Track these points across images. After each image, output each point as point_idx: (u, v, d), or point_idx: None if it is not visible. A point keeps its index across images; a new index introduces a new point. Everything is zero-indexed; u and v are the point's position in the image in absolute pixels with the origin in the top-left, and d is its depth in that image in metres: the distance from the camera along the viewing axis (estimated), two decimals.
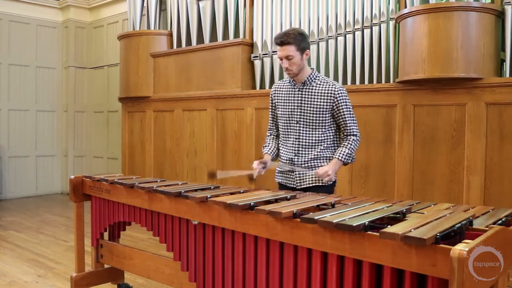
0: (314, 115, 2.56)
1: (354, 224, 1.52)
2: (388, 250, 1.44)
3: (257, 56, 4.87)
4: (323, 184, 2.58)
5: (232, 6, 5.11)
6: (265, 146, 2.82)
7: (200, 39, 5.45)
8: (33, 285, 3.44)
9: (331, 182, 2.62)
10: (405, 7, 3.87)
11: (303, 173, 2.61)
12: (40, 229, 5.24)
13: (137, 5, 5.88)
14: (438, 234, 1.37)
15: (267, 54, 4.79)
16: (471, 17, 3.47)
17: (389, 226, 1.50)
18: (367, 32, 4.16)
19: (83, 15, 7.71)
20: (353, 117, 2.60)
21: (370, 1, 4.14)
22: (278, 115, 2.72)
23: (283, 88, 2.69)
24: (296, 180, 2.64)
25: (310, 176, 2.60)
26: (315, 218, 1.64)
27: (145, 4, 5.88)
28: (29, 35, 7.35)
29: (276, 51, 4.71)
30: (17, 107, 7.27)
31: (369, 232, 1.51)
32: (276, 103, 2.73)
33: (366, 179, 4.05)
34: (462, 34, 3.46)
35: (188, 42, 5.54)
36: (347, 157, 2.55)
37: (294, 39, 2.47)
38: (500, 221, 1.68)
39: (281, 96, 2.69)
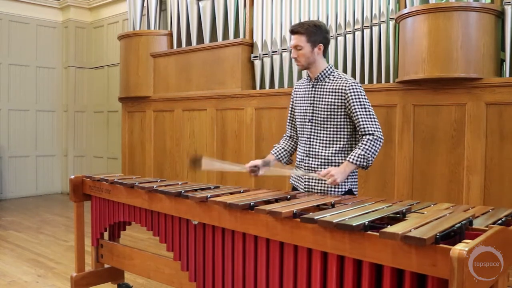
0: (325, 113, 2.41)
1: (354, 224, 1.52)
2: (388, 250, 1.45)
3: (257, 56, 4.87)
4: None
5: (232, 6, 5.11)
6: (274, 145, 2.74)
7: (200, 39, 5.45)
8: (33, 285, 3.44)
9: (343, 192, 2.42)
10: (405, 7, 3.87)
11: (311, 182, 2.48)
12: (40, 229, 5.24)
13: (137, 5, 5.88)
14: (438, 234, 1.37)
15: (267, 54, 4.79)
16: (471, 17, 3.47)
17: (389, 226, 1.50)
18: (367, 32, 4.16)
19: (83, 15, 7.71)
20: (369, 114, 2.34)
21: (370, 1, 4.14)
22: (296, 114, 2.61)
23: (301, 86, 2.59)
24: (305, 187, 2.52)
25: (318, 185, 2.46)
26: (315, 218, 1.64)
27: (145, 4, 5.88)
28: (29, 35, 7.35)
29: (276, 51, 4.74)
30: (17, 107, 7.27)
31: (369, 232, 1.51)
32: (295, 103, 2.62)
33: (366, 179, 4.05)
34: (462, 34, 3.46)
35: (188, 42, 5.53)
36: (359, 159, 2.28)
37: (306, 29, 2.38)
38: (500, 221, 1.68)
39: (299, 95, 2.58)
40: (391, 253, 1.44)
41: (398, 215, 1.74)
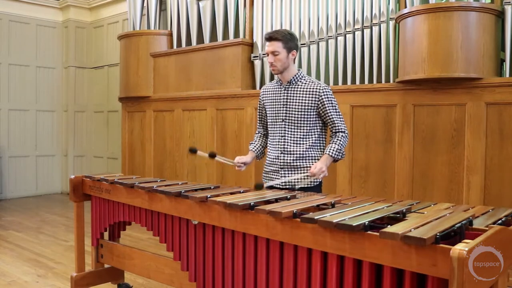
0: (299, 113, 2.62)
1: (354, 224, 1.52)
2: (388, 250, 1.44)
3: (257, 56, 4.87)
4: (309, 185, 2.62)
5: (232, 6, 5.11)
6: (251, 143, 2.93)
7: (200, 39, 5.45)
8: (33, 285, 3.44)
9: (318, 183, 2.66)
10: (405, 7, 3.87)
11: (289, 175, 2.64)
12: (40, 229, 5.24)
13: (137, 5, 5.88)
14: (438, 234, 1.37)
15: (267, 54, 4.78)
16: (471, 17, 3.47)
17: (389, 226, 1.50)
18: (367, 32, 4.16)
19: (83, 15, 7.71)
20: (339, 114, 2.65)
21: (370, 1, 4.14)
22: (267, 115, 2.80)
23: (271, 88, 2.79)
24: (283, 182, 2.66)
25: (296, 180, 2.63)
26: (315, 218, 1.64)
27: (145, 4, 5.88)
28: (29, 35, 7.35)
29: None
30: (17, 107, 7.28)
31: (369, 232, 1.51)
32: (264, 103, 2.82)
33: (366, 179, 4.05)
34: (462, 34, 3.46)
35: (188, 42, 5.54)
36: (337, 153, 2.59)
37: (283, 36, 2.59)
38: (500, 221, 1.68)
39: (269, 96, 2.78)
40: (391, 253, 1.44)
41: (398, 215, 1.74)
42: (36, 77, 7.46)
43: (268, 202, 2.01)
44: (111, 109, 7.42)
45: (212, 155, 2.71)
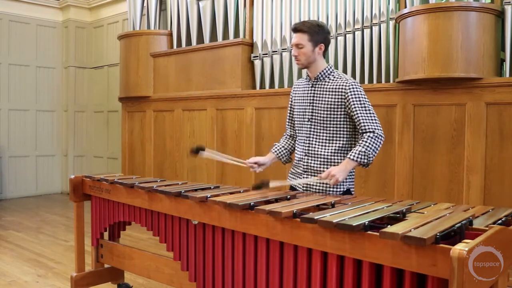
0: (325, 112, 2.41)
1: (354, 224, 1.52)
2: (388, 250, 1.44)
3: (257, 56, 4.86)
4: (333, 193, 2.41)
5: (232, 6, 5.11)
6: (275, 144, 2.75)
7: (200, 39, 5.45)
8: (33, 285, 3.44)
9: (341, 187, 2.42)
10: (405, 7, 3.87)
11: (309, 183, 2.47)
12: (40, 229, 5.24)
13: (137, 5, 5.88)
14: (438, 234, 1.37)
15: (267, 54, 4.79)
16: (471, 17, 3.47)
17: (389, 226, 1.50)
18: (367, 32, 4.16)
19: (83, 15, 7.71)
20: (369, 112, 2.34)
21: (370, 1, 4.14)
22: (295, 114, 2.62)
23: (300, 85, 2.59)
24: (304, 186, 2.51)
25: (316, 185, 2.45)
26: (315, 218, 1.64)
27: (145, 4, 5.88)
28: (29, 35, 7.35)
29: (276, 51, 4.74)
30: (17, 107, 7.27)
31: (369, 232, 1.51)
32: (294, 102, 2.64)
33: (366, 179, 4.05)
34: (462, 34, 3.46)
35: (188, 42, 5.54)
36: (360, 156, 2.26)
37: (309, 28, 2.39)
38: (500, 221, 1.68)
39: (297, 94, 2.59)
40: (391, 253, 1.44)
41: (398, 215, 1.74)
42: (36, 77, 7.46)
43: (268, 202, 2.01)
44: (111, 109, 7.42)
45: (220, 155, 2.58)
